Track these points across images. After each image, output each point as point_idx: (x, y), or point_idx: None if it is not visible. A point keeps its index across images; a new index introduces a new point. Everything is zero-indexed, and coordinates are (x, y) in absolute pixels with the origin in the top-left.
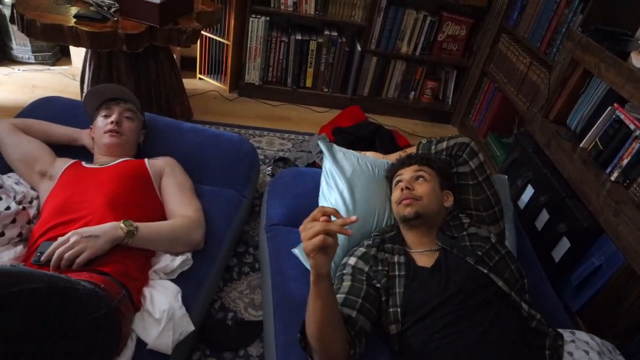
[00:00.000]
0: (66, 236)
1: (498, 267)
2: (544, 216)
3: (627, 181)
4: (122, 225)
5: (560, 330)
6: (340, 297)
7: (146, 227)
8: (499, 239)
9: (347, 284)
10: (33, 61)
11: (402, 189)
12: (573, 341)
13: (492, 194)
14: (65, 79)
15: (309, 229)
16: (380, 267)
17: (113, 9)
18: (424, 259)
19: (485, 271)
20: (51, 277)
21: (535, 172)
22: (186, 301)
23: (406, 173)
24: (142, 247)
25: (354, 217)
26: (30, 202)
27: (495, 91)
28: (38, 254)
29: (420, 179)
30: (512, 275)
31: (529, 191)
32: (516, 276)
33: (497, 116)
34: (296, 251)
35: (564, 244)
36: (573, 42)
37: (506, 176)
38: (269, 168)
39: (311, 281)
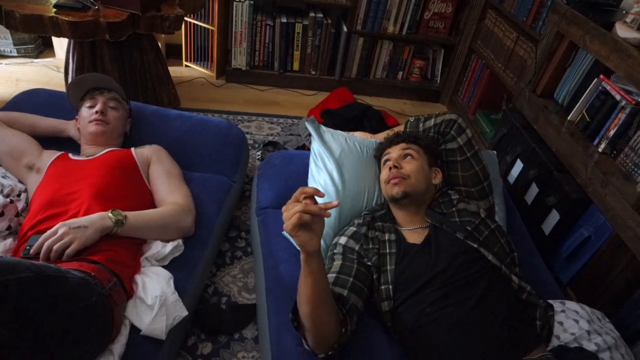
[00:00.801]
0: (54, 228)
1: (488, 241)
2: (534, 190)
3: (615, 152)
4: (110, 214)
5: (551, 301)
6: (331, 276)
7: (135, 216)
8: (488, 214)
9: (337, 263)
10: (15, 54)
11: (390, 168)
12: (563, 311)
13: (480, 170)
14: (50, 71)
15: (290, 209)
16: (370, 246)
17: None
18: (414, 236)
19: (475, 245)
20: (39, 267)
21: (524, 146)
22: (179, 286)
23: (394, 152)
24: (131, 235)
25: (335, 202)
26: (19, 195)
27: (483, 68)
28: (27, 247)
29: (408, 157)
30: (502, 249)
31: (518, 166)
32: (506, 250)
33: (485, 93)
34: (286, 233)
35: (554, 217)
36: (558, 15)
37: (495, 152)
38: (259, 152)
39: (302, 259)
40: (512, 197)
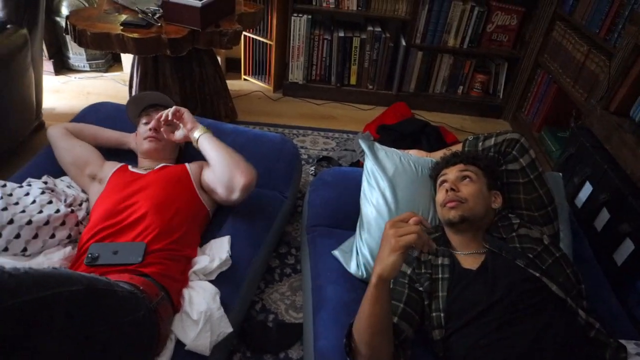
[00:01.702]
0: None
1: (551, 270)
2: (604, 216)
3: None
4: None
5: (623, 342)
6: None
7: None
8: (553, 241)
9: None
10: (88, 69)
11: (446, 190)
12: (638, 354)
13: (544, 193)
14: (117, 84)
15: (402, 227)
16: (423, 270)
17: (157, 15)
18: (470, 260)
19: (538, 274)
20: (90, 280)
21: (594, 168)
22: (225, 302)
23: (451, 173)
24: (207, 149)
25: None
26: (80, 205)
27: (550, 83)
28: (89, 255)
29: (467, 179)
30: (567, 280)
31: (587, 189)
32: (572, 281)
33: (552, 109)
34: (336, 253)
35: (628, 246)
36: (637, 26)
37: (561, 174)
38: (312, 168)
39: (372, 284)
40: (579, 222)
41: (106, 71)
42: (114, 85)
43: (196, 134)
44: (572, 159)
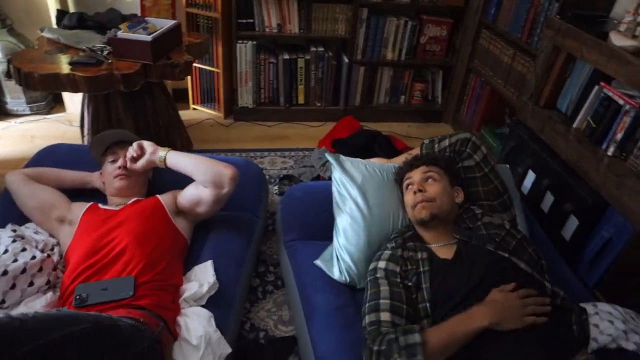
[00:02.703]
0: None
1: (517, 251)
2: (549, 198)
3: (624, 154)
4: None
5: (582, 304)
6: (385, 302)
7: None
8: (512, 225)
9: (385, 288)
10: (28, 112)
11: (414, 192)
12: (597, 313)
13: (499, 183)
14: (62, 125)
15: (528, 304)
16: (409, 266)
17: (106, 52)
18: (444, 251)
19: (507, 255)
20: (96, 317)
21: (534, 157)
22: (218, 324)
23: (415, 175)
24: (179, 161)
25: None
26: (52, 249)
27: (483, 85)
28: (77, 297)
29: (430, 179)
30: (531, 258)
31: (531, 176)
32: (535, 258)
33: (487, 109)
34: (319, 262)
35: (573, 222)
36: (553, 30)
37: (507, 165)
38: (276, 187)
39: (478, 324)
40: (528, 207)
41: (48, 113)
42: (58, 127)
43: (161, 153)
44: (514, 152)
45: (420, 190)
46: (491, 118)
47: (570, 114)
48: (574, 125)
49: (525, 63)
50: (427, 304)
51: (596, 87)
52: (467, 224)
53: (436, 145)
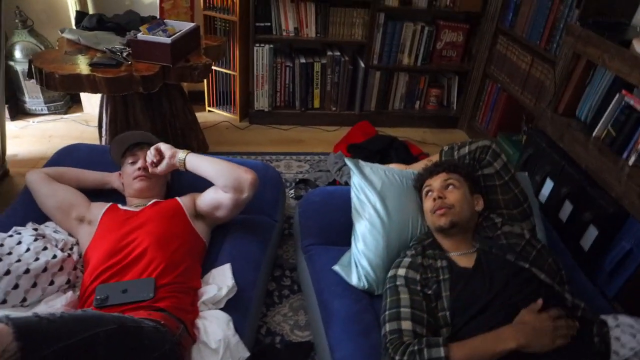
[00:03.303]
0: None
1: (537, 261)
2: (568, 207)
3: None
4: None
5: (603, 317)
6: (405, 310)
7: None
8: (532, 234)
9: (405, 296)
10: (46, 112)
11: (434, 199)
12: (618, 326)
13: (519, 192)
14: (80, 125)
15: (560, 326)
16: (429, 274)
17: (125, 54)
18: (464, 260)
19: (527, 266)
20: (120, 318)
21: (553, 165)
22: (236, 328)
23: (435, 182)
24: (199, 164)
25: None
26: (71, 249)
27: (499, 91)
28: (98, 297)
29: (450, 186)
30: (550, 268)
31: (549, 185)
32: (554, 268)
33: (503, 116)
34: (337, 268)
35: (592, 232)
36: (573, 36)
37: (526, 173)
38: (292, 191)
39: (508, 345)
40: (546, 216)
41: (65, 113)
42: (76, 127)
43: (180, 156)
44: (532, 159)
45: (440, 197)
46: (507, 125)
47: (589, 122)
48: (594, 134)
49: (544, 70)
50: (447, 313)
51: (617, 95)
52: (487, 233)
53: (455, 152)
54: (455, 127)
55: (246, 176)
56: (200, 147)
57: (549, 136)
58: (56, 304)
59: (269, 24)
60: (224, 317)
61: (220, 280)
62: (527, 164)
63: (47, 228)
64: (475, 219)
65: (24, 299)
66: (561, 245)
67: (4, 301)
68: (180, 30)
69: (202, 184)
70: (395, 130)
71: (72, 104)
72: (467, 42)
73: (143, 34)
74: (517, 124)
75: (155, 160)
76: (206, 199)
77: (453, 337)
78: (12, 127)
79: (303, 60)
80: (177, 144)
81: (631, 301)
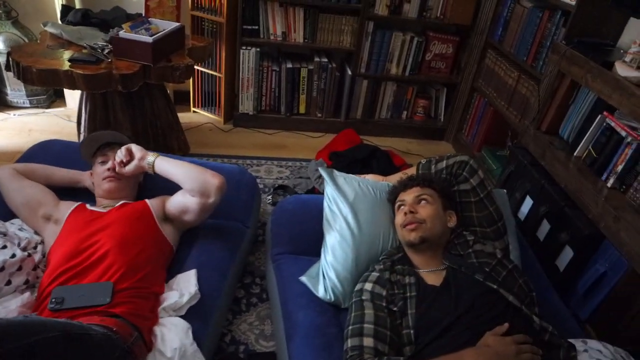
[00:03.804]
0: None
1: (507, 282)
2: (545, 227)
3: (624, 186)
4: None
5: (572, 341)
6: (369, 327)
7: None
8: (505, 254)
9: (369, 312)
10: (28, 105)
11: (405, 213)
12: (586, 350)
13: (494, 210)
14: (61, 120)
15: (524, 352)
16: (396, 290)
17: (106, 51)
18: (432, 277)
19: (495, 287)
20: (65, 325)
21: (533, 183)
22: (196, 336)
23: (408, 196)
24: (167, 168)
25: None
26: (35, 248)
27: (486, 106)
28: (53, 300)
29: (423, 201)
30: (521, 290)
31: (528, 202)
32: (525, 290)
33: (489, 130)
34: (304, 279)
35: (567, 253)
36: (558, 55)
37: (505, 190)
38: (269, 197)
39: (474, 353)
40: (523, 234)
41: (48, 107)
42: (57, 122)
43: (150, 158)
44: (513, 176)
45: (411, 212)
46: (493, 139)
47: (572, 142)
48: (575, 154)
49: (529, 86)
50: (411, 331)
51: (599, 116)
52: (458, 250)
53: (433, 166)
54: (442, 139)
55: (213, 180)
56: (181, 148)
57: (531, 153)
58: (11, 305)
59: (256, 27)
60: (183, 324)
61: (184, 287)
62: (509, 180)
63: (12, 225)
64: (447, 236)
65: None
66: (537, 265)
67: None
68: (164, 30)
69: (175, 186)
70: (380, 139)
71: (56, 99)
72: (457, 54)
73: (125, 31)
74: (503, 139)
75: (124, 160)
76: (174, 202)
77: (416, 356)
78: None
79: (290, 65)
80: (158, 144)
81: (603, 325)
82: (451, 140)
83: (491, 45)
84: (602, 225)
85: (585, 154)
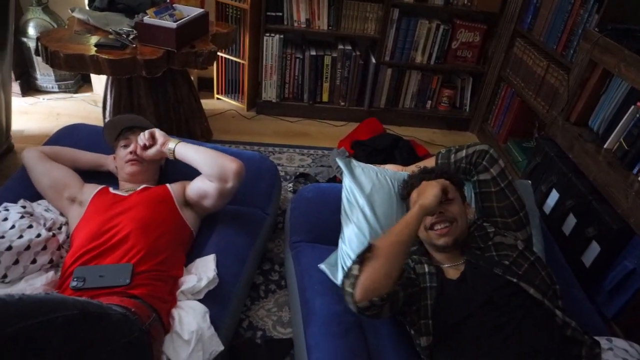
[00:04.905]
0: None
1: (528, 274)
2: (571, 221)
3: None
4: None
5: (597, 338)
6: None
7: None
8: (527, 245)
9: None
10: (57, 90)
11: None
12: (611, 349)
13: (515, 200)
14: (88, 105)
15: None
16: (413, 275)
17: (131, 36)
18: (451, 272)
19: (515, 280)
20: (84, 304)
21: (559, 176)
22: (214, 321)
23: None
24: (187, 153)
25: None
26: (60, 228)
27: (513, 96)
28: (74, 279)
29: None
30: (543, 282)
31: (554, 196)
32: (547, 283)
33: (516, 121)
34: (323, 266)
35: (594, 249)
36: (590, 43)
37: (529, 181)
38: (290, 184)
39: (413, 212)
40: (548, 227)
41: (76, 92)
42: (84, 107)
43: (171, 145)
44: (539, 168)
45: (440, 212)
46: (519, 131)
47: (602, 134)
48: (605, 146)
49: (559, 76)
50: (430, 322)
51: (632, 107)
52: (478, 243)
53: (452, 155)
54: (467, 130)
55: (231, 165)
56: (204, 134)
57: (559, 145)
58: (36, 283)
59: (280, 13)
60: (200, 308)
61: (203, 271)
62: (534, 172)
63: (39, 206)
64: (468, 229)
65: (5, 275)
66: (561, 258)
67: None
68: (188, 16)
69: (195, 172)
70: (404, 129)
71: (83, 84)
72: (484, 43)
73: (150, 17)
74: (529, 130)
75: (147, 144)
76: (193, 187)
77: (434, 347)
78: (22, 103)
79: (313, 53)
80: (181, 130)
81: (630, 324)
82: (476, 131)
83: (520, 34)
84: (632, 221)
85: (616, 147)
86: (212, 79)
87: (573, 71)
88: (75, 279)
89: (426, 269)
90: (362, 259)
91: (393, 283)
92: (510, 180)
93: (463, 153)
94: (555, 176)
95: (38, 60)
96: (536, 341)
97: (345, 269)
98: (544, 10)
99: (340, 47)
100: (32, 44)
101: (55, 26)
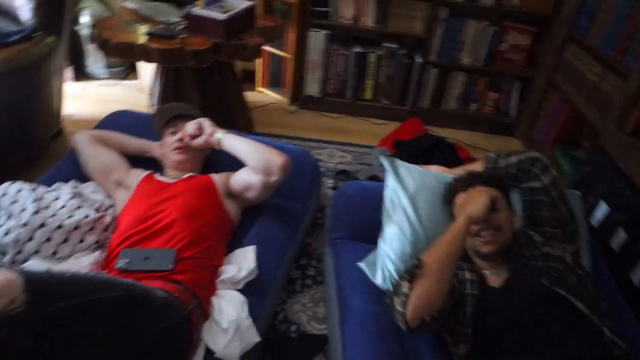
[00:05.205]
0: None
1: (576, 288)
2: (621, 236)
3: None
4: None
5: None
6: None
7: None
8: (575, 259)
9: None
10: (106, 76)
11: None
12: None
13: (567, 211)
14: (134, 92)
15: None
16: (456, 282)
17: (181, 27)
18: (494, 279)
19: (563, 292)
20: (129, 285)
21: (610, 188)
22: (252, 311)
23: None
24: (234, 144)
25: None
26: (106, 210)
27: (563, 102)
28: (121, 261)
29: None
30: (591, 298)
31: (603, 208)
32: (596, 299)
33: (564, 128)
34: (362, 265)
35: None
36: None
37: (578, 192)
38: (331, 181)
39: (459, 223)
40: (595, 241)
41: (124, 79)
42: (131, 93)
43: (218, 135)
44: (587, 178)
45: (486, 221)
46: (566, 138)
47: None
48: None
49: (614, 83)
50: (469, 330)
51: None
52: (524, 251)
53: (502, 160)
54: (511, 135)
55: (277, 159)
56: (246, 126)
57: (611, 155)
58: (83, 262)
59: (326, 9)
60: (240, 298)
61: (243, 262)
62: (582, 182)
63: (87, 188)
64: (512, 237)
65: (55, 252)
66: (609, 276)
67: (37, 252)
68: (237, 8)
69: (239, 164)
70: (446, 130)
71: (130, 71)
72: (533, 46)
73: (199, 8)
74: (577, 139)
75: (195, 134)
76: (237, 179)
77: (471, 356)
78: (74, 88)
79: (358, 50)
80: (224, 120)
81: None
82: (521, 137)
83: (572, 38)
84: None
85: None
86: (254, 71)
87: (630, 78)
88: (120, 260)
89: (467, 276)
90: (412, 275)
91: (444, 300)
92: (562, 190)
93: (513, 159)
94: (605, 188)
95: (89, 48)
96: (581, 357)
97: (385, 270)
98: (601, 14)
99: (386, 44)
100: (84, 32)
101: (110, 15)
